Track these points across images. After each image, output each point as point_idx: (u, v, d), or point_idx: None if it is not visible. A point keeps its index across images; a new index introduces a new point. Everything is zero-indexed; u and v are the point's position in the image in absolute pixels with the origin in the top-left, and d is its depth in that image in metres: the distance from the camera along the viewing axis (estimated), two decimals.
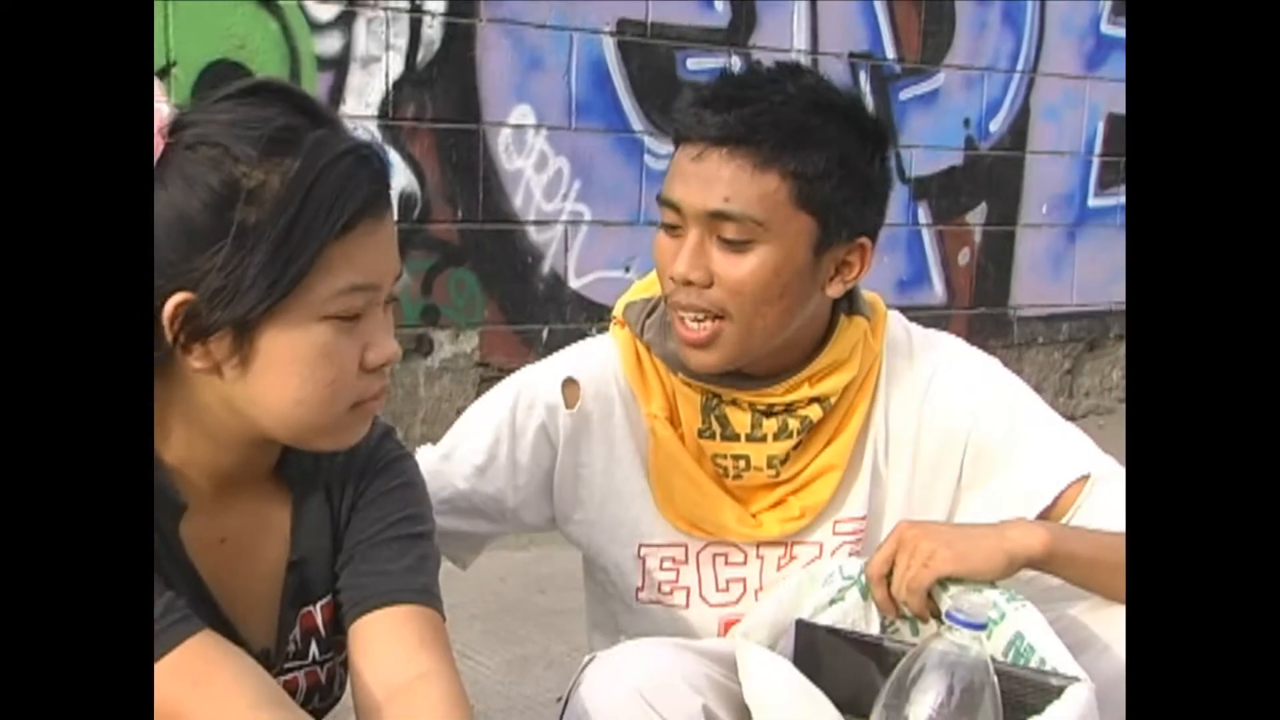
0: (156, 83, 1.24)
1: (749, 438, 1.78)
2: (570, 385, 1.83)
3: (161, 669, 1.20)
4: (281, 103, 1.28)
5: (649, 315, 1.81)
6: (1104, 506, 1.73)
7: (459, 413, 4.24)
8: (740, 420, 1.78)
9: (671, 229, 1.70)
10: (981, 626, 1.51)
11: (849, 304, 1.80)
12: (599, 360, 1.86)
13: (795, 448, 1.79)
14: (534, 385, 1.85)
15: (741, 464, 1.80)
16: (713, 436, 1.79)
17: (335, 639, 1.46)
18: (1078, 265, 5.94)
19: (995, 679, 1.49)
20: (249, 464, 1.40)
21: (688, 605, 1.87)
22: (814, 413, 1.78)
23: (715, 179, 1.64)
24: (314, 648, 1.46)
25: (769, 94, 1.67)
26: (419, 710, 1.32)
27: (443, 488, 1.80)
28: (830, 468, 1.82)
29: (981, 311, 5.61)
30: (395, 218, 1.35)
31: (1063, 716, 1.47)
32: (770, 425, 1.78)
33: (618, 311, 1.88)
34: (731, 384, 1.76)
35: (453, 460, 1.86)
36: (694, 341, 1.69)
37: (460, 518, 1.84)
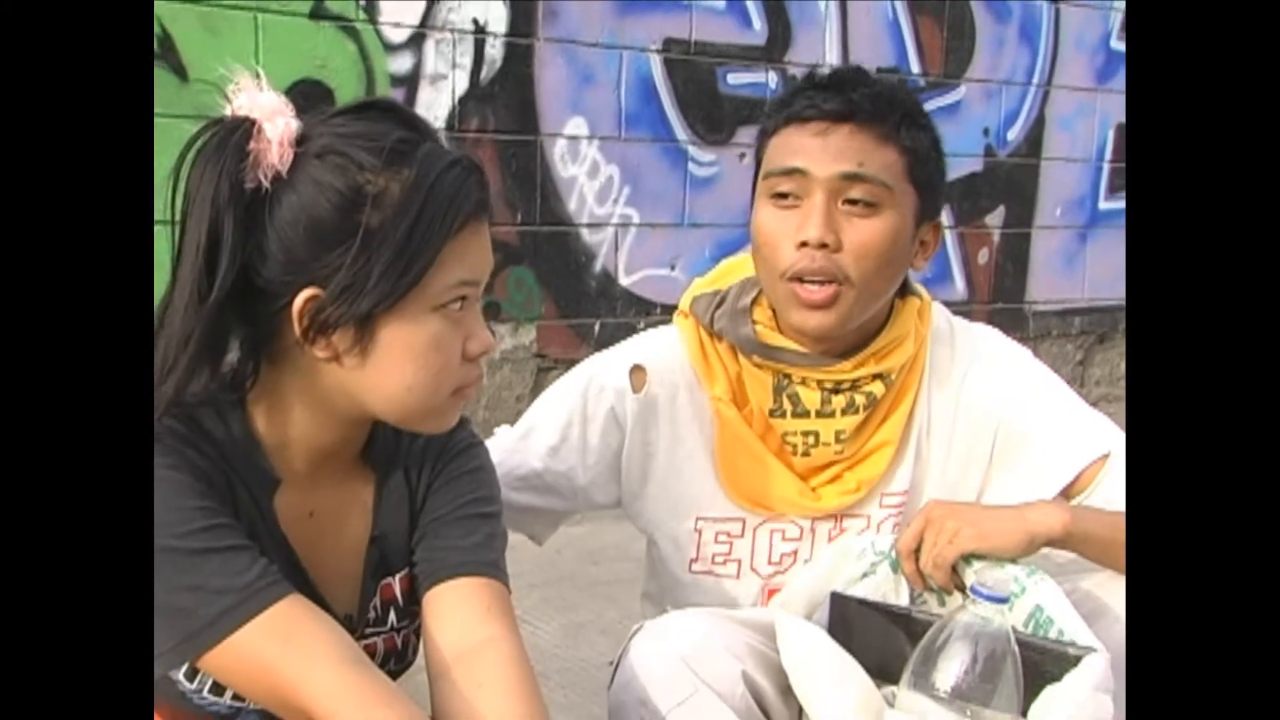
0: (284, 99, 1.26)
1: (819, 414, 1.78)
2: (637, 371, 1.84)
3: (254, 628, 1.21)
4: (392, 119, 1.30)
5: (718, 307, 1.81)
6: (1121, 484, 1.72)
7: (518, 400, 4.25)
8: (811, 398, 1.78)
9: (784, 198, 1.70)
10: (1004, 600, 1.50)
11: (901, 288, 1.82)
12: (664, 348, 1.87)
13: (862, 422, 1.79)
14: (604, 372, 1.86)
15: (811, 440, 1.79)
16: (784, 415, 1.79)
17: (411, 609, 1.47)
18: (1089, 264, 5.89)
19: (1016, 649, 1.49)
20: (344, 444, 1.41)
21: (738, 576, 1.86)
22: (877, 389, 1.78)
23: (845, 148, 1.67)
24: (392, 616, 1.47)
25: (878, 81, 1.71)
26: (485, 671, 1.32)
27: (519, 466, 1.81)
28: (885, 443, 1.82)
29: (1000, 306, 5.56)
30: None
31: (1080, 684, 1.46)
32: (839, 401, 1.78)
33: (684, 305, 1.87)
34: (803, 363, 1.76)
35: (529, 441, 1.86)
36: (816, 303, 1.69)
37: (536, 494, 1.84)
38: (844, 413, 1.78)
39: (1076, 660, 1.49)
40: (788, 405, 1.79)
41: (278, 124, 1.24)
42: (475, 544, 1.42)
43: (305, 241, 1.25)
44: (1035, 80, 5.61)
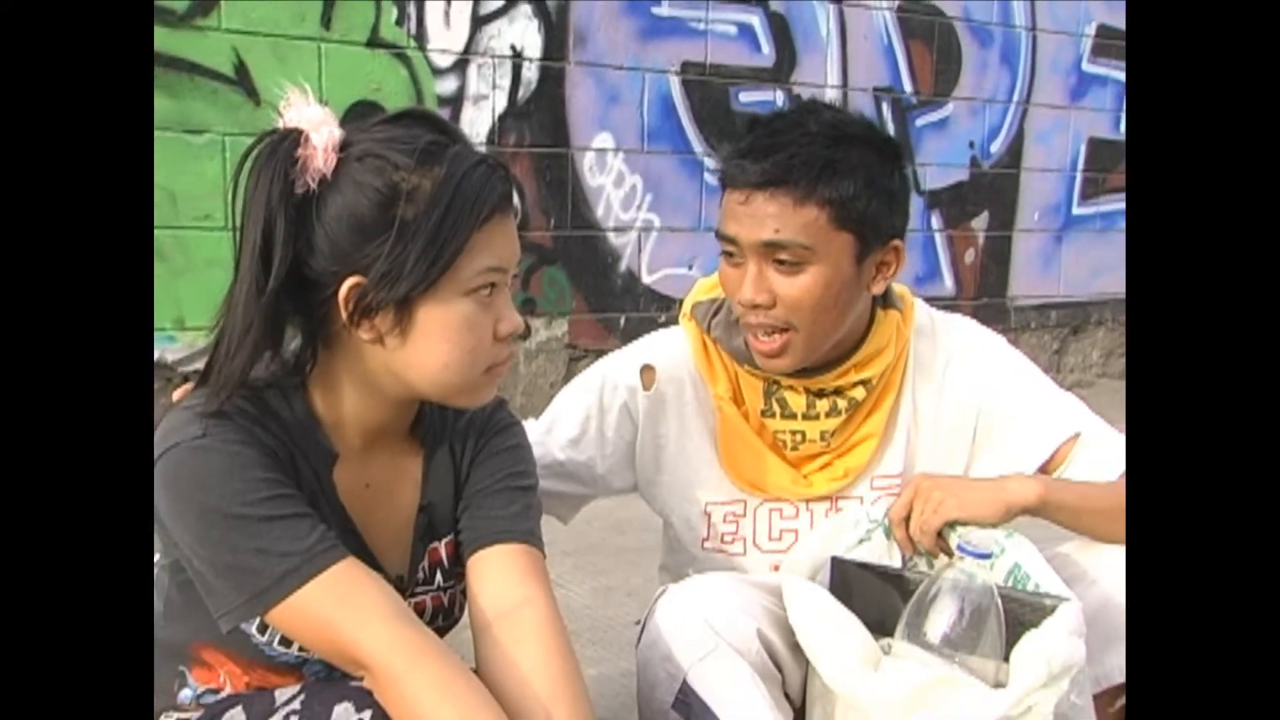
0: (327, 110, 1.28)
1: (804, 416, 1.78)
2: (647, 371, 1.83)
3: (314, 587, 1.22)
4: (425, 125, 1.31)
5: (715, 314, 1.80)
6: (1090, 460, 1.74)
7: (552, 386, 4.24)
8: (797, 402, 1.77)
9: (731, 258, 1.68)
10: (987, 555, 1.54)
11: (883, 299, 1.79)
12: (671, 349, 1.86)
13: (843, 423, 1.78)
14: (617, 371, 1.85)
15: (799, 438, 1.79)
16: (774, 415, 1.79)
17: (456, 570, 1.47)
18: (1064, 263, 5.86)
19: (999, 601, 1.51)
20: (393, 422, 1.41)
21: (745, 553, 1.86)
22: (859, 393, 1.77)
23: (764, 216, 1.62)
24: (438, 576, 1.47)
25: (796, 137, 1.63)
26: (523, 628, 1.33)
27: (544, 456, 1.80)
28: (869, 436, 1.81)
29: (984, 302, 5.54)
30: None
31: (1057, 629, 1.47)
32: (823, 405, 1.77)
33: (686, 309, 1.86)
34: (790, 374, 1.75)
35: (552, 434, 1.85)
36: (768, 352, 1.69)
37: (559, 481, 1.84)
38: (828, 415, 1.77)
39: (1052, 609, 1.50)
40: (777, 408, 1.78)
41: (322, 132, 1.26)
42: (514, 514, 1.43)
43: (348, 235, 1.25)
44: (1015, 99, 5.59)
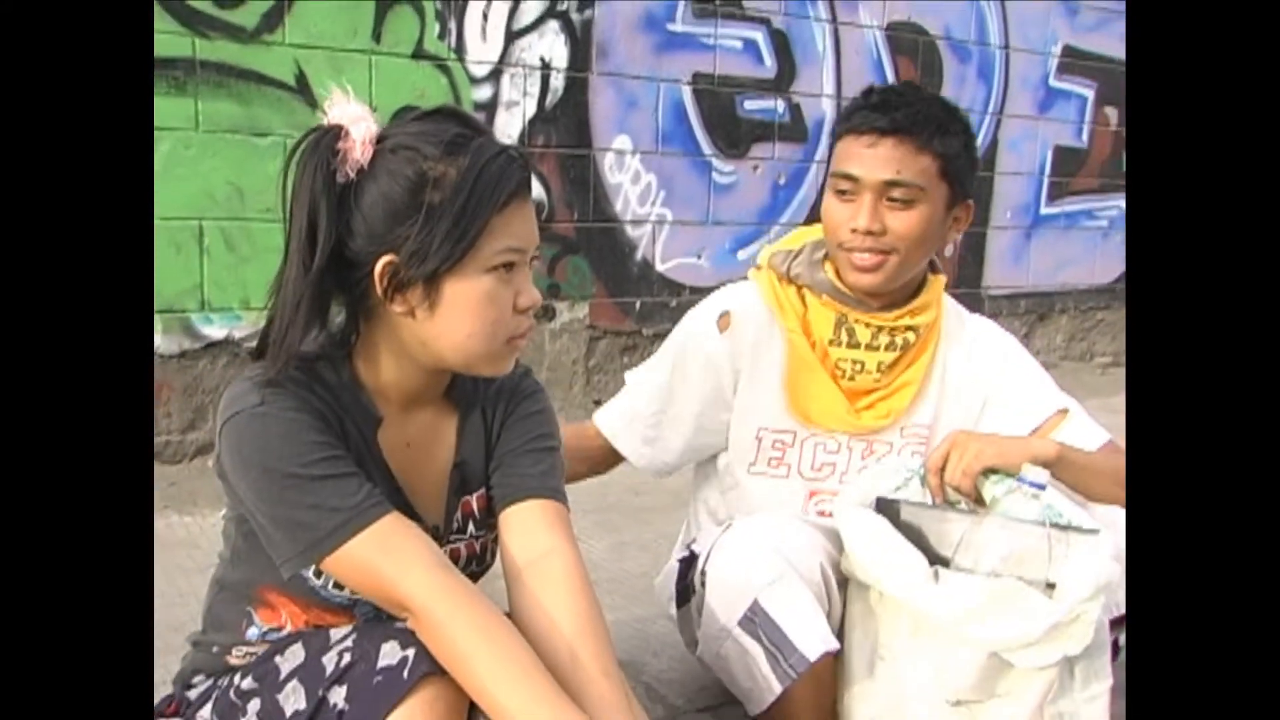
0: (365, 108, 1.28)
1: (868, 346, 1.85)
2: (723, 317, 1.89)
3: (362, 539, 1.23)
4: (453, 120, 1.31)
5: (794, 259, 1.88)
6: (1074, 433, 1.83)
7: (574, 363, 4.21)
8: (863, 333, 1.84)
9: (843, 195, 1.78)
10: (1042, 486, 1.60)
11: (931, 265, 1.90)
12: (744, 295, 1.92)
13: (895, 360, 1.86)
14: (694, 324, 1.94)
15: (858, 367, 1.86)
16: (840, 345, 1.85)
17: (487, 521, 1.47)
18: (1032, 257, 5.84)
19: (1044, 527, 1.56)
20: (429, 388, 1.40)
21: (788, 477, 1.90)
22: (910, 336, 1.85)
23: (889, 158, 1.74)
24: (471, 526, 1.47)
25: (917, 98, 1.77)
26: (549, 574, 1.33)
27: (646, 416, 1.94)
28: (909, 382, 1.88)
29: (962, 290, 5.51)
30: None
31: (1101, 550, 1.52)
32: (883, 339, 1.84)
33: (762, 261, 1.94)
34: (859, 307, 1.84)
35: (644, 398, 1.96)
36: (868, 267, 1.78)
37: (677, 428, 1.94)
38: (885, 349, 1.85)
39: (1092, 535, 1.55)
40: (844, 337, 1.85)
41: (360, 127, 1.26)
42: (542, 472, 1.43)
43: (383, 218, 1.26)
44: (990, 110, 5.55)
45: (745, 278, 1.97)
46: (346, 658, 1.24)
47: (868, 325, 1.83)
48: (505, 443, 1.45)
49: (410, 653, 1.21)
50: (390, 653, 1.22)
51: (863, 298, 1.83)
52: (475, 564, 1.49)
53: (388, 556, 1.23)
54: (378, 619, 1.34)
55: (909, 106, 1.75)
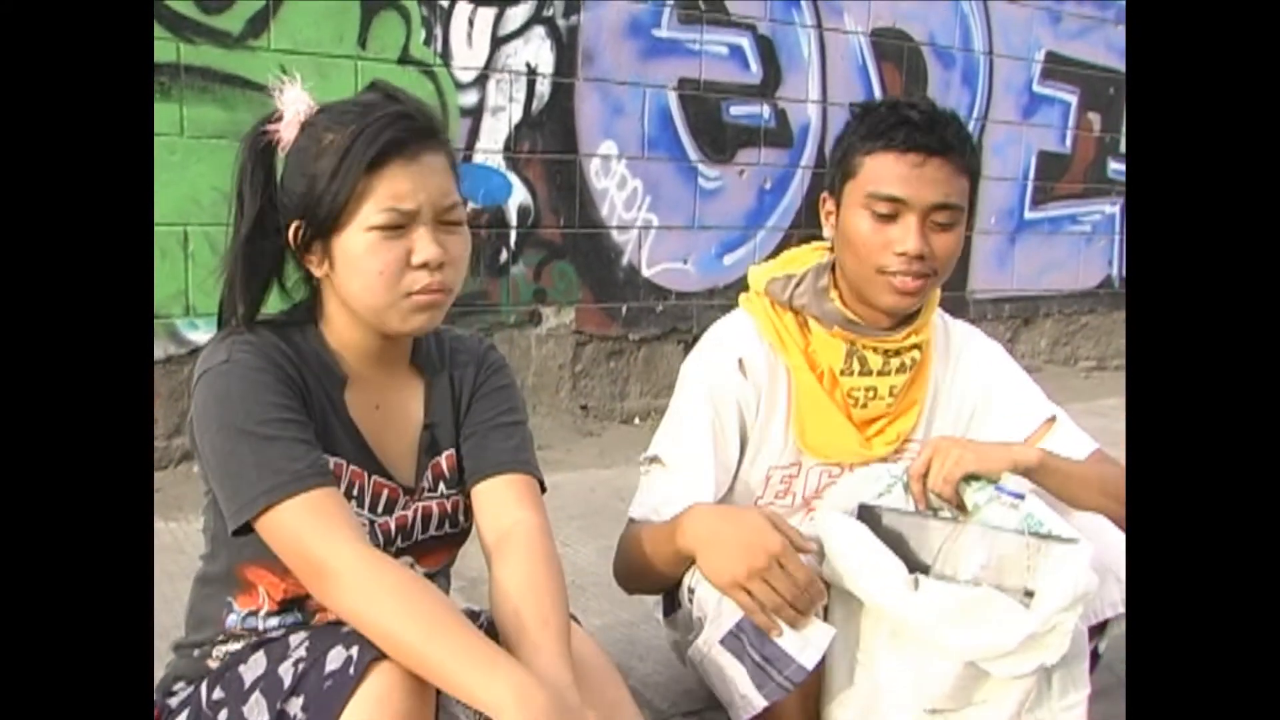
0: (306, 94, 1.39)
1: (879, 372, 1.80)
2: (740, 364, 1.82)
3: (293, 504, 1.26)
4: (378, 93, 1.40)
5: (796, 286, 1.81)
6: (1062, 442, 1.81)
7: (560, 367, 4.20)
8: (875, 360, 1.80)
9: (883, 218, 1.70)
10: (1021, 496, 1.60)
11: None
12: (744, 333, 1.85)
13: (905, 383, 1.83)
14: (717, 375, 1.81)
15: (871, 393, 1.82)
16: (852, 374, 1.80)
17: (457, 481, 1.51)
18: (1016, 262, 5.86)
19: (1023, 537, 1.57)
20: (385, 349, 1.46)
21: (792, 505, 1.86)
22: (916, 355, 1.82)
23: (936, 179, 1.68)
24: (442, 486, 1.51)
25: (946, 116, 1.71)
26: (513, 543, 1.38)
27: (693, 481, 1.77)
28: (915, 401, 1.86)
29: (947, 295, 5.49)
30: (449, 163, 1.40)
31: (1079, 561, 1.52)
32: (895, 363, 1.81)
33: (757, 287, 1.86)
34: (871, 333, 1.79)
35: (688, 459, 1.80)
36: (910, 291, 1.72)
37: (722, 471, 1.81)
38: (896, 372, 1.82)
39: (1070, 546, 1.55)
40: (856, 365, 1.80)
41: (292, 110, 1.38)
42: (513, 447, 1.49)
43: (290, 188, 1.36)
44: (974, 115, 5.57)
45: (733, 288, 1.94)
46: (301, 666, 1.26)
47: (877, 350, 1.79)
48: (476, 414, 1.51)
49: (354, 650, 1.22)
50: (336, 657, 1.23)
51: (876, 320, 1.78)
52: (449, 524, 1.52)
53: (316, 525, 1.26)
54: (329, 627, 1.34)
55: (948, 124, 1.70)
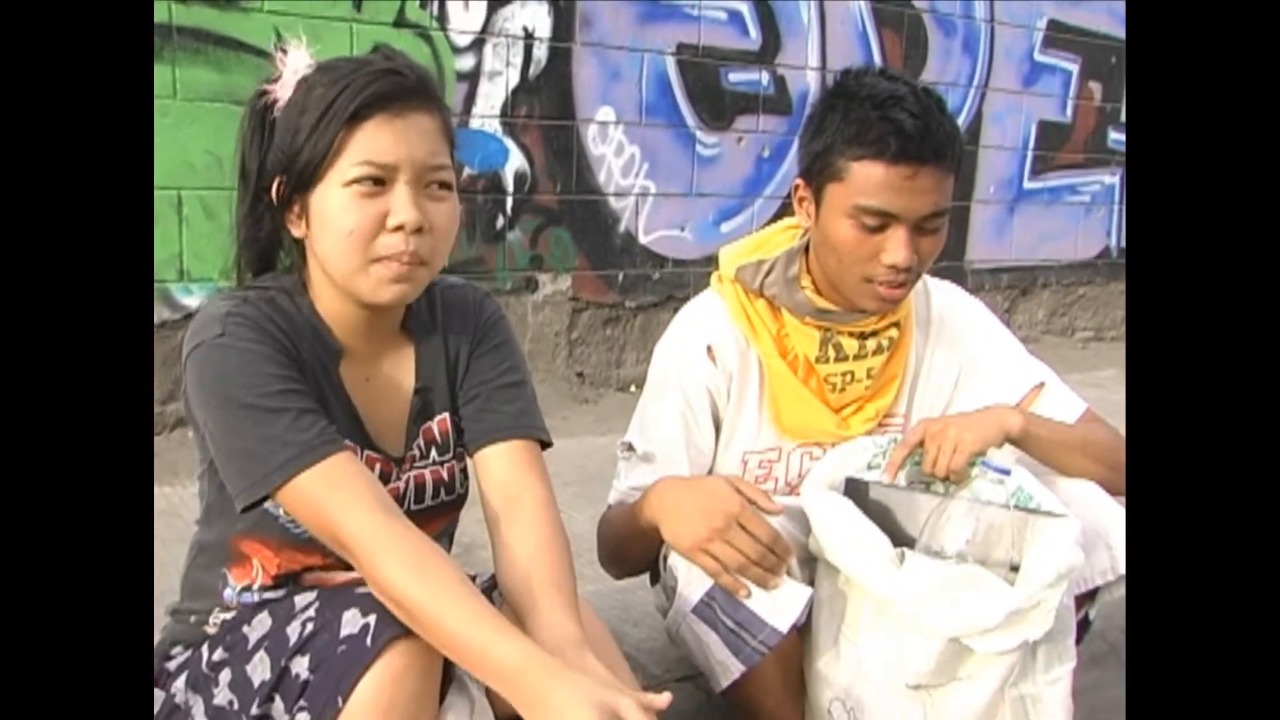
0: (308, 55, 1.35)
1: (855, 357, 1.77)
2: (709, 351, 1.78)
3: (311, 475, 1.25)
4: (376, 54, 1.36)
5: (767, 275, 1.76)
6: (1051, 407, 1.79)
7: (556, 335, 4.19)
8: (850, 345, 1.77)
9: (868, 229, 1.62)
10: (1008, 472, 1.58)
11: None
12: (714, 318, 1.81)
13: (883, 363, 1.80)
14: (684, 364, 1.79)
15: (847, 378, 1.78)
16: (828, 360, 1.77)
17: (454, 447, 1.49)
18: (1015, 232, 5.85)
19: (1010, 512, 1.56)
20: (373, 321, 1.41)
21: (775, 490, 1.83)
22: (894, 333, 1.78)
23: (926, 190, 1.60)
24: (434, 453, 1.48)
25: (935, 114, 1.61)
26: (522, 511, 1.38)
27: (667, 469, 1.76)
28: (894, 377, 1.83)
29: (945, 265, 5.53)
30: (441, 127, 1.36)
31: (1064, 537, 1.51)
32: (870, 345, 1.77)
33: (727, 273, 1.81)
34: (845, 320, 1.75)
35: (660, 450, 1.79)
36: (894, 297, 1.67)
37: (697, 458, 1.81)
38: (873, 354, 1.78)
39: (1057, 522, 1.55)
40: (832, 352, 1.77)
41: (290, 70, 1.33)
42: (516, 411, 1.45)
43: (278, 144, 1.32)
44: (975, 84, 5.55)
45: (714, 269, 1.88)
46: (310, 626, 1.25)
47: (852, 335, 1.76)
48: (475, 375, 1.47)
49: (372, 619, 1.22)
50: (351, 620, 1.23)
51: (851, 307, 1.73)
52: (445, 492, 1.50)
53: (334, 493, 1.25)
54: (341, 589, 1.34)
55: (937, 124, 1.60)
